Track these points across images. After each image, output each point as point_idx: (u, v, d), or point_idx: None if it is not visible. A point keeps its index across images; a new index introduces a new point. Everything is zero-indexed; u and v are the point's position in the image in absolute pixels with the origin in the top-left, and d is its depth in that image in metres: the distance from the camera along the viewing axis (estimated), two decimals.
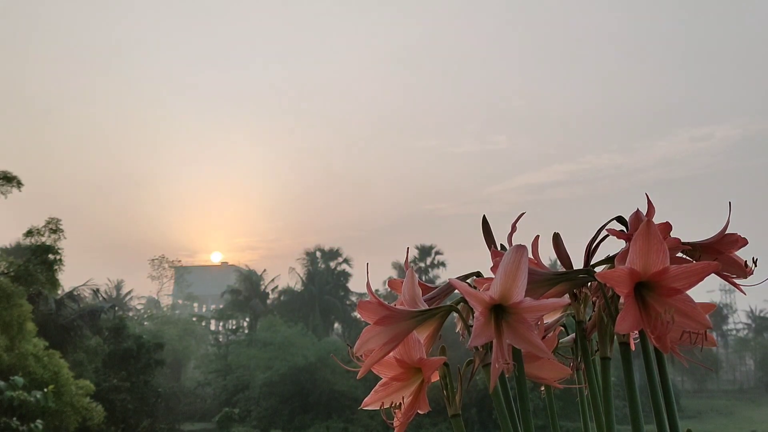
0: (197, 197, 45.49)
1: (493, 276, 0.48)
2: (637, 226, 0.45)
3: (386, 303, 0.50)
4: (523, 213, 0.56)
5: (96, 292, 16.45)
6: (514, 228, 0.55)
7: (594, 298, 0.53)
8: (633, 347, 0.51)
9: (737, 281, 0.53)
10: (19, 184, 9.95)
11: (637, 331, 0.49)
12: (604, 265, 0.52)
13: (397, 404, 0.51)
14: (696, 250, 0.53)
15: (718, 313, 28.76)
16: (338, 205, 44.12)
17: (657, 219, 0.50)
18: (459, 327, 0.53)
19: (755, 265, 0.52)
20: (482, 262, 0.53)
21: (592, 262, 0.52)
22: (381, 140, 45.29)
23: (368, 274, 0.54)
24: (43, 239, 10.73)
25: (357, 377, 0.51)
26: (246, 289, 25.77)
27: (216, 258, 38.37)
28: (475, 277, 0.54)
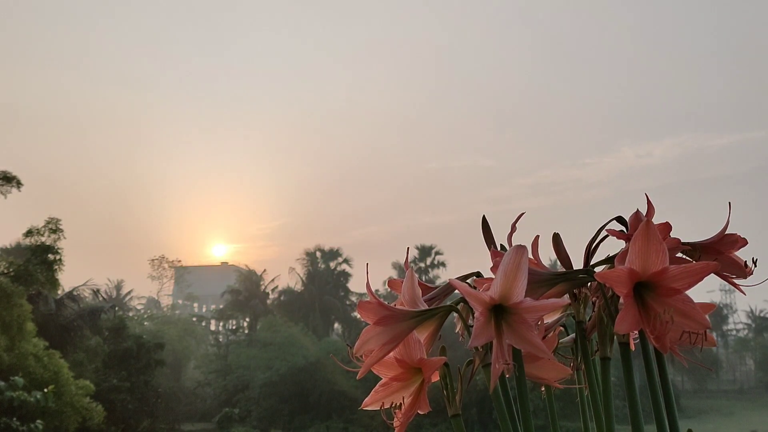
0: (197, 197, 45.53)
1: (493, 276, 0.48)
2: (637, 227, 0.45)
3: (386, 303, 0.49)
4: (523, 213, 0.56)
5: (96, 292, 16.45)
6: (513, 228, 0.55)
7: (594, 299, 0.53)
8: (633, 347, 0.51)
9: (737, 281, 0.53)
10: (18, 184, 9.96)
11: (636, 332, 0.49)
12: (603, 266, 0.52)
13: (397, 404, 0.51)
14: (696, 250, 0.53)
15: (718, 313, 28.77)
16: (339, 205, 44.16)
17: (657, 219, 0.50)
18: (459, 327, 0.53)
19: (755, 266, 0.52)
20: (483, 262, 0.53)
21: (591, 263, 0.52)
22: (381, 140, 45.33)
23: (368, 275, 0.54)
24: (43, 239, 10.73)
25: (357, 377, 0.51)
26: (246, 289, 25.76)
27: (216, 258, 38.41)
28: (475, 278, 0.54)
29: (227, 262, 35.26)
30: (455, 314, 0.53)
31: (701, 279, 0.45)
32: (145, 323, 23.81)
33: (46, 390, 7.09)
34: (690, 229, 0.54)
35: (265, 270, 27.06)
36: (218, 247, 41.46)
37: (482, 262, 0.53)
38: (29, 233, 10.80)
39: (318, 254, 26.97)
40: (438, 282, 0.57)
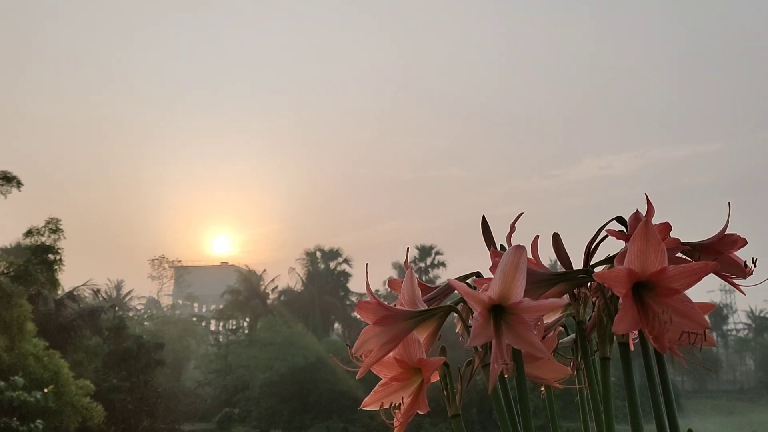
0: (198, 197, 45.51)
1: (492, 276, 0.48)
2: (636, 227, 0.45)
3: (385, 303, 0.49)
4: (522, 213, 0.56)
5: (96, 292, 16.45)
6: (513, 228, 0.55)
7: (594, 299, 0.53)
8: (632, 347, 0.51)
9: (737, 281, 0.53)
10: (18, 184, 9.96)
11: (636, 332, 0.49)
12: (603, 266, 0.52)
13: (397, 404, 0.51)
14: (695, 250, 0.53)
15: (718, 313, 28.77)
16: (339, 205, 44.16)
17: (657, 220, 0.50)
18: (459, 327, 0.53)
19: (755, 266, 0.52)
20: (483, 263, 0.53)
21: (591, 263, 0.52)
22: (381, 141, 45.37)
23: (368, 275, 0.54)
24: (43, 239, 10.73)
25: (356, 377, 0.51)
26: (246, 290, 25.76)
27: (216, 258, 38.41)
28: (474, 278, 0.54)
29: (227, 262, 35.25)
30: (455, 314, 0.53)
31: (700, 279, 0.45)
32: (145, 323, 23.81)
33: (46, 390, 7.09)
34: (689, 230, 0.54)
35: (265, 270, 27.08)
36: (218, 247, 41.50)
37: (482, 262, 0.53)
38: (29, 233, 10.79)
39: (318, 254, 26.97)
40: (438, 282, 0.57)
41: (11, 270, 9.96)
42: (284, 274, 32.53)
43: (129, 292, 29.14)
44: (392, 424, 0.51)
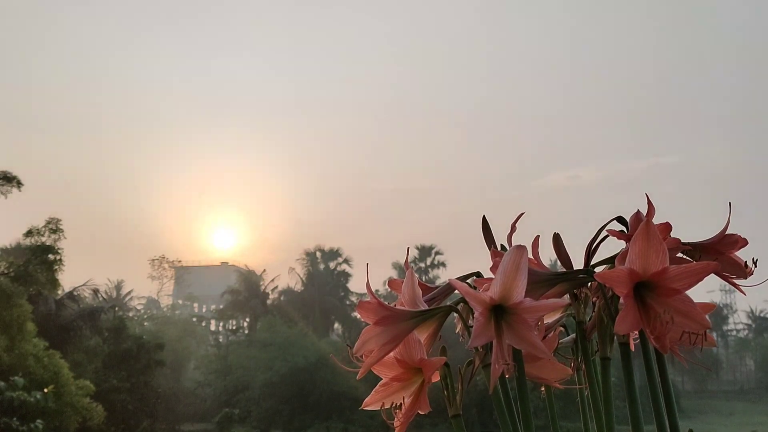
0: (198, 197, 45.52)
1: (493, 276, 0.48)
2: (637, 227, 0.45)
3: (386, 303, 0.49)
4: (523, 213, 0.56)
5: (96, 292, 16.44)
6: (513, 228, 0.55)
7: (594, 299, 0.53)
8: (633, 347, 0.51)
9: (737, 281, 0.53)
10: (19, 184, 9.96)
11: (637, 332, 0.49)
12: (604, 265, 0.52)
13: (398, 404, 0.51)
14: (696, 250, 0.53)
15: (719, 313, 28.77)
16: (339, 205, 44.17)
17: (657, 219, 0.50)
18: (459, 327, 0.53)
19: (755, 266, 0.52)
20: (484, 263, 0.53)
21: (592, 263, 0.52)
22: (382, 141, 45.41)
23: (368, 275, 0.54)
24: (43, 239, 10.73)
25: (357, 378, 0.51)
26: (246, 290, 25.76)
27: (216, 258, 38.41)
28: (475, 278, 0.54)
29: (227, 262, 35.24)
30: (455, 314, 0.53)
31: (701, 279, 0.45)
32: (145, 323, 23.81)
33: (46, 390, 7.09)
34: (690, 231, 0.54)
35: (264, 270, 27.08)
36: (218, 247, 41.51)
37: (484, 262, 0.53)
38: (29, 233, 10.80)
39: (318, 254, 26.97)
40: (438, 282, 0.57)
41: (11, 270, 9.97)
42: (284, 275, 32.55)
43: (129, 293, 29.15)
44: (393, 424, 0.51)
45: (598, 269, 0.51)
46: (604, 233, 0.52)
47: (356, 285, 26.99)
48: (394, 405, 0.51)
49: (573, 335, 0.56)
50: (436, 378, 0.51)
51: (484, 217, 0.56)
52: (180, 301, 32.94)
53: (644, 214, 0.50)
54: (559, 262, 0.55)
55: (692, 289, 0.46)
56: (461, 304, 0.52)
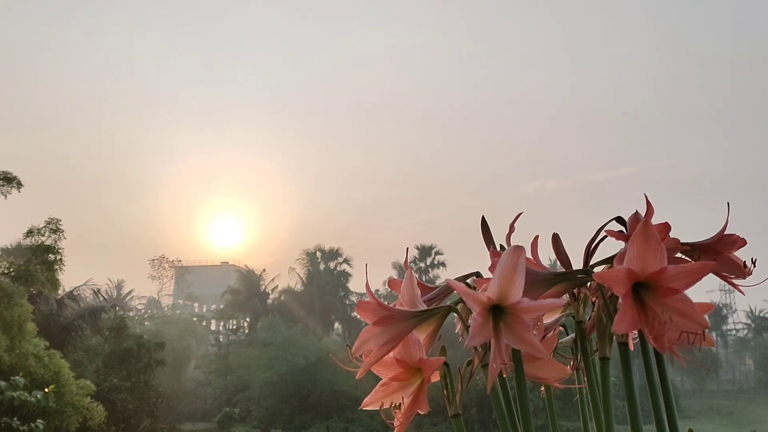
0: (198, 197, 45.50)
1: (491, 276, 0.48)
2: (636, 227, 0.45)
3: (385, 303, 0.50)
4: (521, 213, 0.56)
5: (96, 292, 16.43)
6: (512, 228, 0.55)
7: (593, 299, 0.53)
8: (632, 347, 0.51)
9: (736, 281, 0.53)
10: (19, 184, 9.95)
11: (636, 331, 0.49)
12: (603, 265, 0.52)
13: (397, 404, 0.51)
14: (695, 250, 0.53)
15: (718, 313, 28.73)
16: (338, 205, 44.15)
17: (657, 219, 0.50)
18: (458, 327, 0.53)
19: (754, 266, 0.52)
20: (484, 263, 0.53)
21: (591, 263, 0.52)
22: (381, 142, 45.39)
23: (367, 275, 0.54)
24: (44, 239, 10.73)
25: (356, 377, 0.51)
26: (246, 289, 25.75)
27: (216, 257, 38.41)
28: (474, 278, 0.54)
29: (227, 262, 35.24)
30: (455, 314, 0.53)
31: (700, 279, 0.45)
32: (146, 323, 23.83)
33: (46, 390, 7.08)
34: (690, 231, 0.54)
35: (264, 270, 27.07)
36: (218, 247, 41.49)
37: (484, 262, 0.53)
38: (30, 233, 10.80)
39: (318, 254, 26.95)
40: (438, 282, 0.58)
41: (12, 270, 9.97)
42: (284, 274, 32.57)
43: (129, 292, 29.16)
44: (392, 423, 0.51)
45: (597, 269, 0.51)
46: (602, 233, 0.52)
47: (356, 285, 27.03)
48: (393, 405, 0.51)
49: (572, 335, 0.56)
50: (435, 378, 0.51)
51: (483, 217, 0.56)
52: (180, 301, 32.94)
53: (642, 215, 0.50)
54: (558, 262, 0.55)
55: (691, 288, 0.46)
56: (460, 304, 0.52)
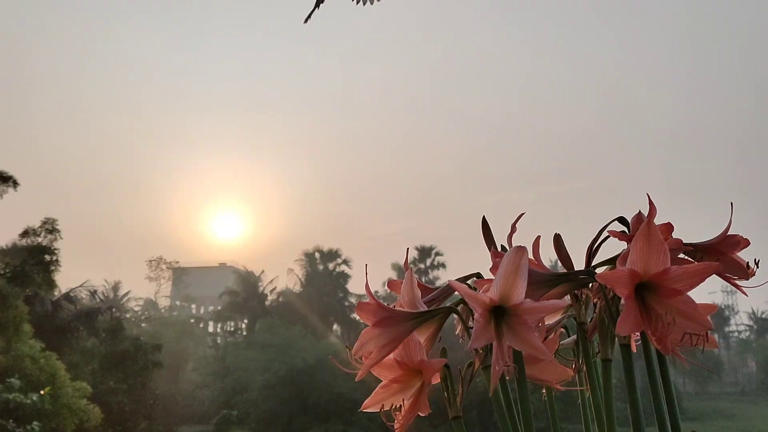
0: (195, 198, 45.47)
1: (493, 277, 0.47)
2: (639, 228, 0.45)
3: (385, 305, 0.49)
4: (523, 213, 0.55)
5: (93, 293, 16.39)
6: (513, 229, 0.54)
7: (595, 300, 0.52)
8: (634, 349, 0.51)
9: (739, 283, 0.53)
10: (15, 184, 9.93)
11: (638, 333, 0.49)
12: (605, 266, 0.52)
13: (398, 406, 0.51)
14: (698, 251, 0.52)
15: (720, 314, 28.79)
16: (338, 206, 44.17)
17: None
18: (459, 329, 0.53)
19: (757, 267, 0.52)
20: (485, 263, 0.53)
21: (593, 263, 0.52)
22: (382, 141, 45.46)
23: (367, 276, 0.54)
24: (40, 240, 10.71)
25: (356, 379, 0.51)
26: (244, 291, 25.71)
27: (214, 259, 38.34)
28: (475, 279, 0.53)
29: (225, 263, 35.17)
30: (455, 316, 0.52)
31: (703, 280, 0.45)
32: (143, 325, 23.79)
33: (42, 392, 7.06)
34: (690, 231, 0.54)
35: (263, 271, 27.03)
36: (216, 248, 41.44)
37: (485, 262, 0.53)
38: (26, 234, 10.77)
39: (317, 255, 26.93)
40: (438, 283, 0.57)
41: (7, 271, 9.94)
42: (283, 276, 32.55)
43: (126, 294, 29.10)
44: (393, 426, 0.51)
45: (599, 270, 0.51)
46: (605, 234, 0.52)
47: (355, 286, 27.00)
48: (393, 407, 0.51)
49: (574, 336, 0.55)
50: (436, 380, 0.51)
51: (484, 218, 0.56)
52: (178, 303, 32.86)
53: (645, 215, 0.49)
54: (560, 263, 0.54)
55: (694, 290, 0.45)
56: (461, 305, 0.52)
